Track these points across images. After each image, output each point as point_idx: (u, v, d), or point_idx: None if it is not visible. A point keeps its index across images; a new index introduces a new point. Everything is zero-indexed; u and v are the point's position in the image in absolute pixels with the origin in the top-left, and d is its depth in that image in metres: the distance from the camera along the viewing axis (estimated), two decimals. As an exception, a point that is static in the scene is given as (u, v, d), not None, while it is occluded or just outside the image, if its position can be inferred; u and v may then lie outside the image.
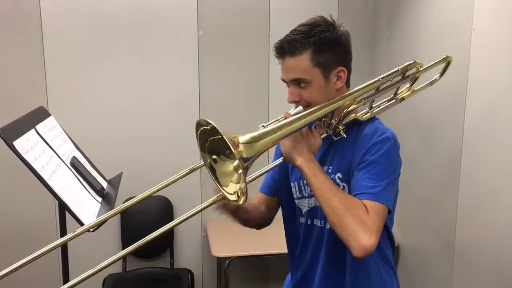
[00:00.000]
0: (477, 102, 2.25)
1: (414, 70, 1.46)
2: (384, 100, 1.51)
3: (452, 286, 2.47)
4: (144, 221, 3.07)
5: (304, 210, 1.50)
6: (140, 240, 1.14)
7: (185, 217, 1.19)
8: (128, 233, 3.13)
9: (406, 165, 2.65)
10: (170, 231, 3.21)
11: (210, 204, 1.22)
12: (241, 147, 1.13)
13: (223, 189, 1.17)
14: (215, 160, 1.18)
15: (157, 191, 1.27)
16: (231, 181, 1.17)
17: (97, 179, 1.99)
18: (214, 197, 1.22)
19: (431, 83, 1.61)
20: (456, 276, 2.44)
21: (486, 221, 2.20)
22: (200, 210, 1.21)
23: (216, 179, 1.18)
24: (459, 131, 2.36)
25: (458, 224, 2.40)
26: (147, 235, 1.16)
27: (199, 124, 1.15)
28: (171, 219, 2.83)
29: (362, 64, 3.29)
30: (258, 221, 1.63)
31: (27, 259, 1.08)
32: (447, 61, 1.56)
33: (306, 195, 1.48)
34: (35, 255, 1.09)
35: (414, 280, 2.86)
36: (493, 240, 2.16)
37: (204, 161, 1.20)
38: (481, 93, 2.22)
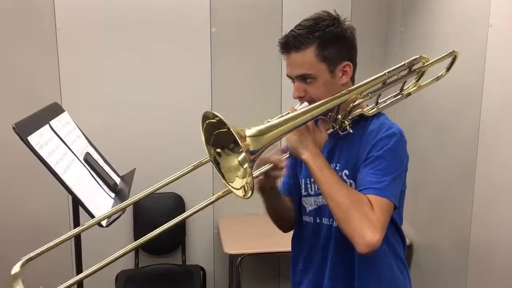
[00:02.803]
0: (494, 98, 2.22)
1: (420, 64, 1.46)
2: (390, 95, 1.51)
3: (466, 285, 2.44)
4: (157, 218, 3.05)
5: (309, 208, 1.50)
6: (151, 233, 1.14)
7: (193, 211, 1.19)
8: (141, 231, 3.13)
9: (419, 162, 2.64)
10: (182, 228, 3.23)
11: (218, 199, 1.21)
12: (248, 140, 1.12)
13: (229, 185, 1.16)
14: (219, 154, 1.18)
15: (164, 186, 1.26)
16: (237, 176, 1.16)
17: (110, 174, 1.99)
18: (220, 193, 1.21)
19: (437, 78, 1.60)
20: (471, 276, 2.41)
21: (502, 221, 2.17)
22: (207, 205, 1.20)
23: (221, 173, 1.18)
24: (475, 128, 2.32)
25: (473, 223, 2.37)
26: (160, 233, 1.16)
27: (205, 117, 1.14)
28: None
29: (375, 60, 3.26)
30: (289, 218, 1.57)
31: (40, 250, 1.10)
32: (453, 56, 1.55)
33: (312, 193, 1.48)
34: (48, 246, 1.11)
35: (428, 279, 2.84)
36: (509, 240, 2.12)
37: (208, 154, 1.19)
38: (498, 90, 2.19)
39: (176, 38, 3.12)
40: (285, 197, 1.56)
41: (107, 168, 2.02)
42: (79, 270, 1.93)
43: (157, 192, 1.27)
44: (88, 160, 1.88)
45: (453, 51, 1.53)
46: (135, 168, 2.20)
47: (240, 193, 1.14)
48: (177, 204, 3.20)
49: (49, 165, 1.56)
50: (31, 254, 1.09)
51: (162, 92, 3.15)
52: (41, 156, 1.54)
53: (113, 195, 1.89)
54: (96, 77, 3.08)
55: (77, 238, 1.94)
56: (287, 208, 1.56)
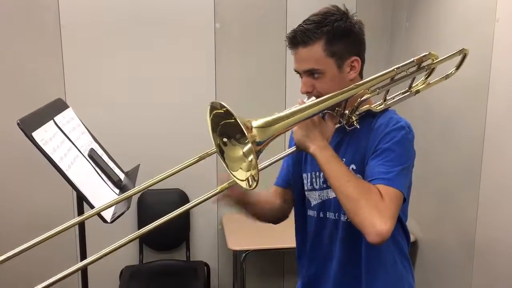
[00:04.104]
0: (500, 95, 2.20)
1: (429, 61, 1.44)
2: (399, 92, 1.49)
3: (471, 283, 2.43)
4: (161, 214, 3.06)
5: (314, 202, 1.49)
6: (155, 221, 1.16)
7: (197, 201, 1.19)
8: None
9: (424, 159, 2.63)
10: (186, 224, 3.23)
11: (222, 190, 1.22)
12: (254, 131, 1.12)
13: (233, 175, 1.16)
14: (225, 143, 1.18)
15: (167, 177, 1.27)
16: (241, 168, 1.16)
17: (115, 170, 1.99)
18: (225, 184, 1.21)
19: (446, 76, 1.58)
20: (476, 273, 2.40)
21: (507, 218, 2.16)
22: (210, 197, 1.21)
23: (225, 163, 1.18)
24: (481, 126, 2.31)
25: (479, 220, 2.36)
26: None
27: (212, 107, 1.14)
28: (188, 212, 2.82)
29: (379, 56, 3.25)
30: (271, 217, 1.61)
31: (41, 238, 1.13)
32: (463, 54, 1.53)
33: (317, 187, 1.47)
34: (49, 234, 1.15)
35: (432, 275, 2.83)
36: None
37: (214, 143, 1.19)
38: (504, 87, 2.17)
39: (181, 35, 3.12)
40: (262, 196, 1.57)
41: (111, 164, 2.02)
42: (83, 270, 1.93)
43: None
44: (93, 156, 1.88)
45: (463, 48, 1.51)
46: (139, 164, 2.20)
47: (244, 184, 1.14)
48: (181, 200, 3.19)
49: (53, 161, 1.56)
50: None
51: (167, 88, 3.15)
52: (46, 152, 1.54)
53: (117, 191, 1.89)
54: (100, 73, 3.08)
55: (82, 236, 1.94)
56: (267, 207, 1.57)
